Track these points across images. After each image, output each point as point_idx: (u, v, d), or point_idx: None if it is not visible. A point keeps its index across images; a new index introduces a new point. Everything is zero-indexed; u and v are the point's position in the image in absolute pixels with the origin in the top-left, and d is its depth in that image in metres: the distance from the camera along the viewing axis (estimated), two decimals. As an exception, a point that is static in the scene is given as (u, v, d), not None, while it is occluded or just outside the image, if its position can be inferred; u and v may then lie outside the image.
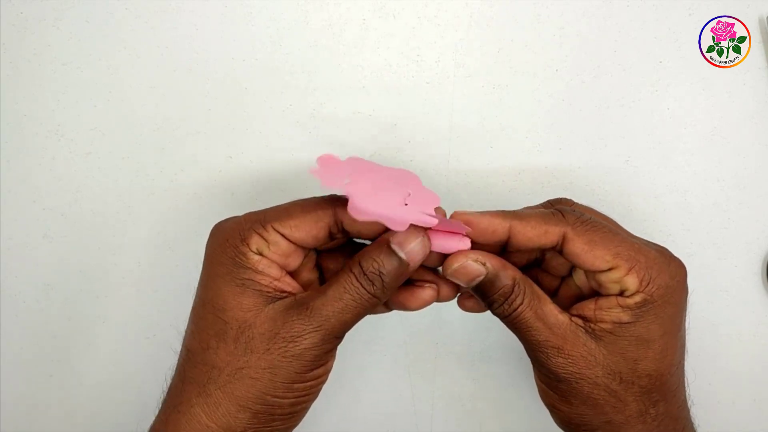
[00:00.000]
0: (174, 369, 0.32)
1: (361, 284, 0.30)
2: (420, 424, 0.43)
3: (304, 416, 0.32)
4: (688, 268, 0.31)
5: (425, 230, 0.31)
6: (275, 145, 0.41)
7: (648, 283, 0.30)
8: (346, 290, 0.30)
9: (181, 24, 0.40)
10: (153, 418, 0.32)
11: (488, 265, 0.31)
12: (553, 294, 0.35)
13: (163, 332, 0.42)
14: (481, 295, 0.32)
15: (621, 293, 0.30)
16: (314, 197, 0.32)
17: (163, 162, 0.41)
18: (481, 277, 0.31)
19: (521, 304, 0.31)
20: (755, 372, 0.42)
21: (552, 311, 0.31)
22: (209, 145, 0.41)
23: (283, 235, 0.30)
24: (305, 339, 0.29)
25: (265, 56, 0.40)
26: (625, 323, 0.30)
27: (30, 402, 0.43)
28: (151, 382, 0.42)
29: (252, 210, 0.32)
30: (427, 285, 0.33)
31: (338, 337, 0.31)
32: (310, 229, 0.31)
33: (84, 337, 0.42)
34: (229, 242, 0.31)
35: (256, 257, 0.30)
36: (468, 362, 0.43)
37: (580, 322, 0.31)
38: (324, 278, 0.34)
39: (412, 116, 0.41)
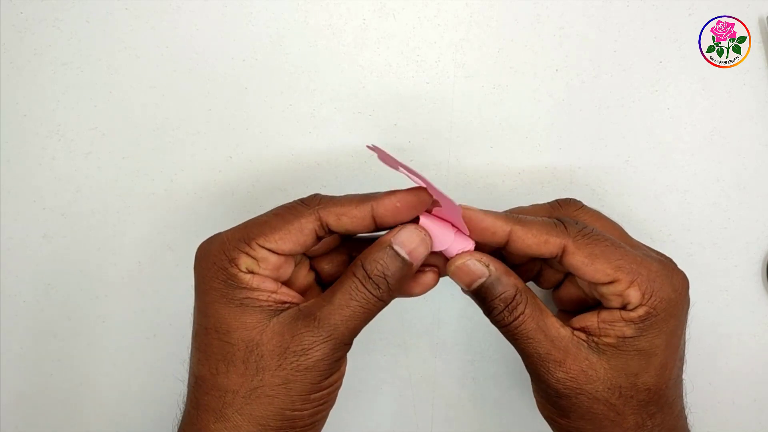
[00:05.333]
0: (185, 397, 0.32)
1: (366, 289, 0.29)
2: (420, 424, 0.43)
3: (324, 424, 0.32)
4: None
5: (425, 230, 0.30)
6: (275, 145, 0.41)
7: (651, 296, 0.29)
8: (352, 297, 0.29)
9: (181, 24, 0.40)
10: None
11: (491, 267, 0.30)
12: (554, 289, 0.35)
13: (163, 332, 0.42)
14: (480, 300, 0.31)
15: (623, 306, 0.30)
16: (293, 203, 0.31)
17: (162, 162, 0.41)
18: (483, 279, 0.30)
19: (522, 312, 0.30)
20: (755, 372, 0.42)
21: (554, 324, 0.30)
22: (209, 145, 0.41)
23: (270, 250, 0.30)
24: (316, 351, 0.29)
25: (265, 56, 0.40)
26: (628, 337, 0.29)
27: (30, 402, 0.43)
28: (151, 382, 0.42)
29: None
30: (428, 269, 0.32)
31: (348, 343, 0.30)
32: (297, 239, 0.30)
33: (84, 337, 0.42)
34: (217, 265, 0.30)
35: (248, 276, 0.29)
36: (468, 362, 0.43)
37: (582, 336, 0.30)
38: (320, 279, 0.34)
39: (412, 116, 0.41)
